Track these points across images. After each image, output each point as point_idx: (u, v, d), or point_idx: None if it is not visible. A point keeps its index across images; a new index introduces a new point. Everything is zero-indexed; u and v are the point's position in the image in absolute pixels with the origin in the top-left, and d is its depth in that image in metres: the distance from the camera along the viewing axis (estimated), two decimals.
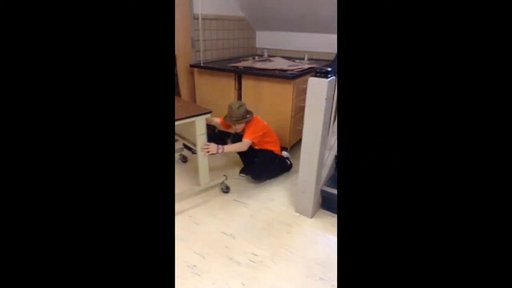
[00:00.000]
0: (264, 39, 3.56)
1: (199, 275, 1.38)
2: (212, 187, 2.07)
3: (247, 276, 1.39)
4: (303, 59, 3.11)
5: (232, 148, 2.07)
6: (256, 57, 3.18)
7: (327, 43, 3.15)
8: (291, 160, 2.35)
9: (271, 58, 3.05)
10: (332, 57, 3.17)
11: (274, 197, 2.00)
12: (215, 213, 1.83)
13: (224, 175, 2.08)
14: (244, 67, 2.57)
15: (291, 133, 2.46)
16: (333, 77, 1.60)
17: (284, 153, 2.34)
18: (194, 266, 1.43)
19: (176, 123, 1.66)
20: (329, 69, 1.57)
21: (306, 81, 2.55)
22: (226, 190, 2.05)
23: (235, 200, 1.98)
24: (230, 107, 2.05)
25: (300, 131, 2.64)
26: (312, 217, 1.80)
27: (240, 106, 2.03)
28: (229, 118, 2.07)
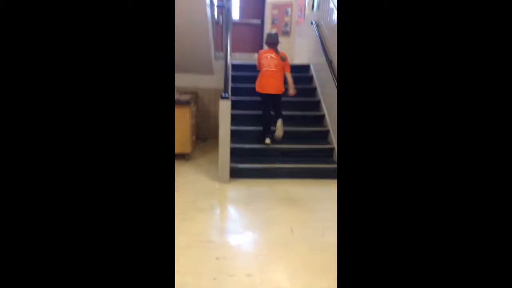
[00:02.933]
0: None
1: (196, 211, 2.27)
2: None
3: (219, 211, 2.42)
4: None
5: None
6: None
7: (187, 80, 4.37)
8: None
9: None
10: (191, 90, 4.41)
11: (198, 180, 3.00)
12: None
13: None
14: None
15: (190, 142, 3.50)
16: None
17: None
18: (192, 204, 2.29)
19: None
20: (226, 94, 2.84)
21: (193, 106, 3.68)
22: None
23: (181, 187, 2.84)
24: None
25: (195, 140, 3.70)
26: (229, 183, 2.97)
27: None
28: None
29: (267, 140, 3.16)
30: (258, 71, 3.24)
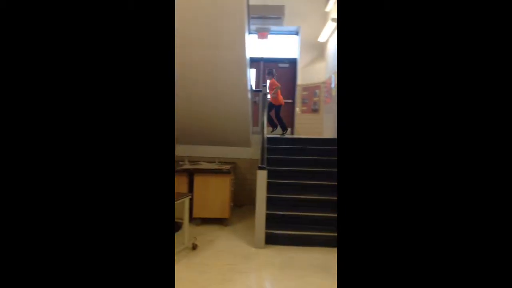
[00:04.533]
0: (183, 150, 4.94)
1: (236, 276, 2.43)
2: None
3: (256, 274, 2.57)
4: (215, 162, 4.66)
5: None
6: (187, 162, 4.46)
7: (227, 152, 4.89)
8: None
9: (199, 162, 4.44)
10: (230, 160, 4.87)
11: (236, 244, 3.21)
12: (210, 258, 2.87)
13: (194, 237, 3.15)
14: (193, 168, 3.87)
15: (229, 208, 3.80)
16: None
17: None
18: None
19: None
20: (263, 165, 3.22)
21: (233, 174, 4.07)
22: (195, 247, 3.06)
23: (221, 250, 3.07)
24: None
25: (232, 206, 4.00)
26: (264, 248, 3.14)
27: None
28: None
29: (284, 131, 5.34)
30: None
